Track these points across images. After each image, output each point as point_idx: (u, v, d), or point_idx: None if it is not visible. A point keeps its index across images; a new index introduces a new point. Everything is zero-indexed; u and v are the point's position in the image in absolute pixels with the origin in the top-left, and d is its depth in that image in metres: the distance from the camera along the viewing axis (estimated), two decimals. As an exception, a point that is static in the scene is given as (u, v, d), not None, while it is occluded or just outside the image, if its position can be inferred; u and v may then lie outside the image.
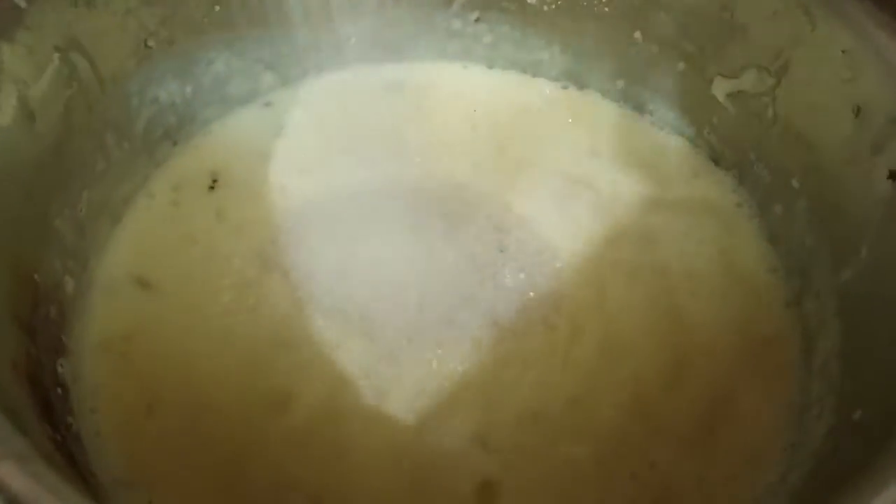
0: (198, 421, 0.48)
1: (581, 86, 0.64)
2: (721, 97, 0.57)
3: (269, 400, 0.49)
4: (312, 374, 0.50)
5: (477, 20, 0.63)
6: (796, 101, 0.52)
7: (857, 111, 0.47)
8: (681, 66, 0.59)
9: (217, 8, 0.56)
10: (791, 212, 0.54)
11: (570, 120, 0.63)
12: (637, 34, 0.60)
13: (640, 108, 0.63)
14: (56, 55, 0.47)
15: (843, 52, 0.47)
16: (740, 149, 0.58)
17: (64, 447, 0.41)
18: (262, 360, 0.50)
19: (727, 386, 0.50)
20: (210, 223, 0.57)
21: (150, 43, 0.54)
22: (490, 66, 0.66)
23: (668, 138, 0.62)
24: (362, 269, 0.55)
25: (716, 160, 0.60)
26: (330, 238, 0.56)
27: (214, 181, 0.59)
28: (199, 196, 0.58)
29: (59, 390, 0.46)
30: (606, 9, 0.59)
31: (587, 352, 0.52)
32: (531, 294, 0.54)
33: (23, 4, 0.44)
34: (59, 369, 0.47)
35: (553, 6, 0.61)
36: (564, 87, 0.65)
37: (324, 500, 0.45)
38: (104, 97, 0.52)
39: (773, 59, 0.53)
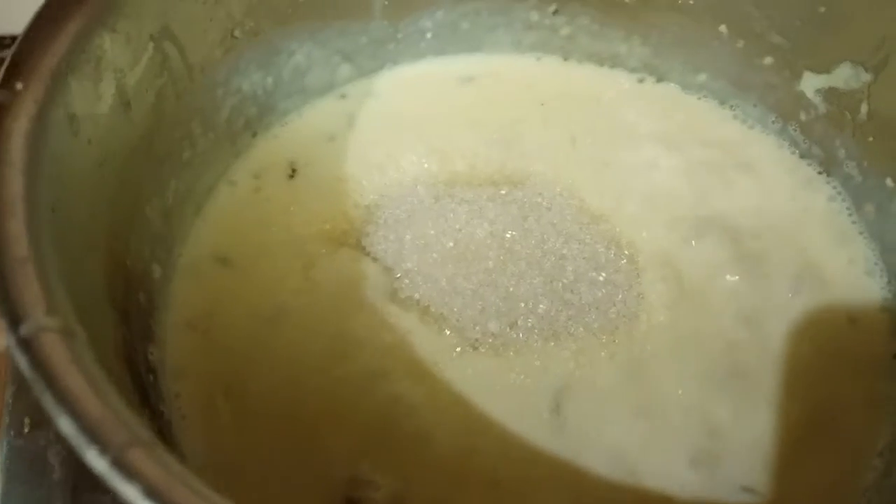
0: (274, 400, 0.48)
1: (660, 78, 0.63)
2: (810, 93, 0.56)
3: (341, 378, 0.49)
4: (392, 358, 0.50)
5: (555, 12, 0.63)
6: (894, 98, 0.51)
7: (963, 109, 0.45)
8: (768, 60, 0.58)
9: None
10: (884, 211, 0.53)
11: (648, 112, 0.62)
12: (722, 27, 0.58)
13: (722, 102, 0.62)
14: (151, 44, 0.47)
15: (949, 47, 0.46)
16: (829, 146, 0.56)
17: (162, 435, 0.42)
18: (336, 340, 0.50)
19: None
20: (288, 208, 0.57)
21: (237, 33, 0.54)
22: (566, 58, 0.65)
23: (750, 133, 0.61)
24: (437, 259, 0.55)
25: (802, 157, 0.58)
26: (405, 227, 0.56)
27: (294, 170, 0.59)
28: (279, 183, 0.58)
29: (151, 377, 0.46)
30: (691, 1, 0.58)
31: (664, 349, 0.51)
32: (608, 288, 0.53)
33: (123, -7, 0.44)
34: (150, 356, 0.47)
35: (635, -2, 0.60)
36: (641, 80, 0.64)
37: (411, 484, 0.45)
38: (192, 86, 0.52)
39: (870, 55, 0.51)
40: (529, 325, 0.52)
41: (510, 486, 0.45)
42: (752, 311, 0.52)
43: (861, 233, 0.55)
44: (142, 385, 0.43)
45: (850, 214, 0.56)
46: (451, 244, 0.55)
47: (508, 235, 0.56)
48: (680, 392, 0.49)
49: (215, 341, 0.50)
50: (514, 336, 0.52)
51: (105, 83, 0.44)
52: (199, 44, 0.51)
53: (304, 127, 0.62)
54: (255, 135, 0.60)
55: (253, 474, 0.46)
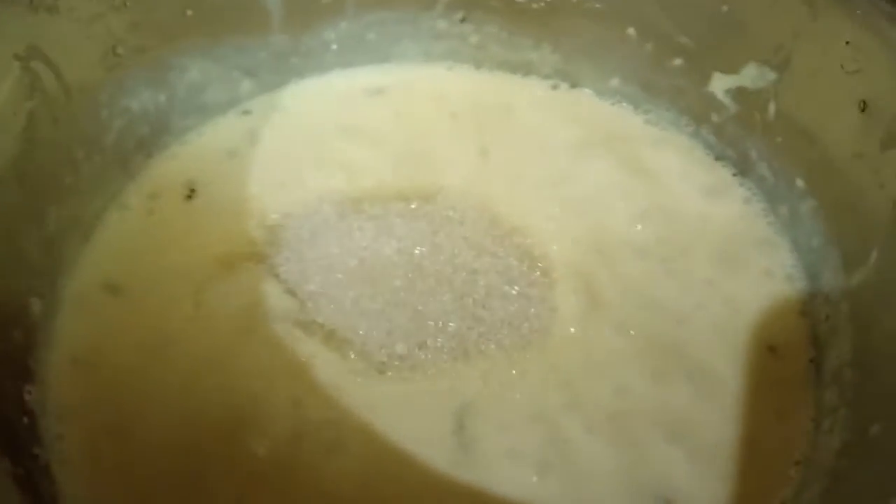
0: (161, 437, 0.45)
1: (573, 84, 0.62)
2: (720, 94, 0.55)
3: (233, 415, 0.46)
4: (281, 388, 0.47)
5: (462, 20, 0.61)
6: (799, 96, 0.50)
7: (864, 106, 0.45)
8: (677, 62, 0.57)
9: (189, 13, 0.54)
10: (797, 213, 0.52)
11: (561, 120, 0.61)
12: (631, 30, 0.57)
13: (636, 107, 0.60)
14: (16, 64, 0.44)
15: (847, 43, 0.45)
16: (741, 147, 0.55)
17: (28, 481, 0.39)
18: (227, 370, 0.48)
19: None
20: (185, 231, 0.54)
21: (120, 50, 0.51)
22: (477, 67, 0.63)
23: (664, 137, 0.59)
24: (341, 279, 0.52)
25: (717, 159, 0.57)
26: (308, 247, 0.54)
27: (192, 190, 0.56)
28: (175, 205, 0.56)
29: (26, 419, 0.43)
30: (598, 5, 0.57)
31: (575, 364, 0.49)
32: (521, 303, 0.52)
33: (-23, 11, 0.41)
34: (27, 397, 0.44)
35: (542, 3, 0.59)
36: (555, 87, 0.62)
37: None
38: (71, 108, 0.49)
39: (773, 53, 0.50)
40: (439, 344, 0.50)
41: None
42: (666, 319, 0.50)
43: (777, 234, 0.53)
44: (8, 430, 0.40)
45: (766, 216, 0.54)
46: (356, 263, 0.53)
47: (417, 252, 0.53)
48: (592, 406, 0.47)
49: (102, 377, 0.47)
50: (423, 357, 0.49)
51: (-41, 107, 0.41)
52: (76, 63, 0.49)
53: (203, 145, 0.59)
54: (149, 156, 0.57)
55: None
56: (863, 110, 0.45)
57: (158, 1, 0.52)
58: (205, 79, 0.58)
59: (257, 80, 0.60)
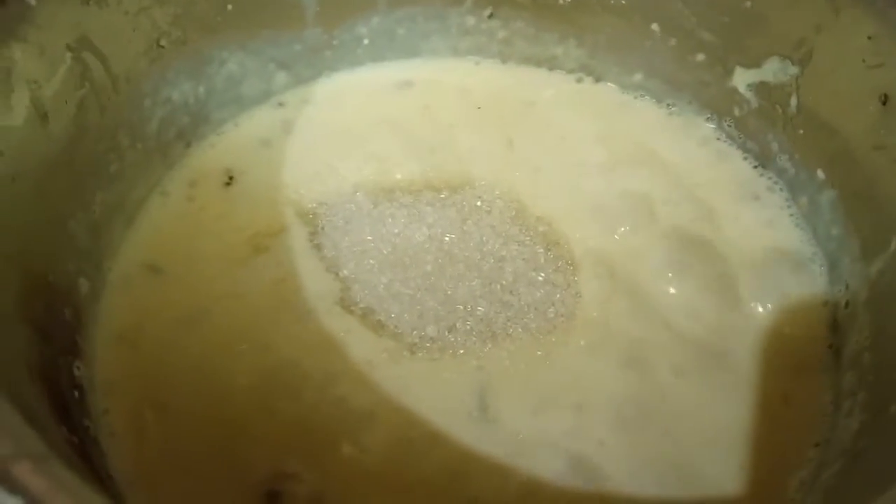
0: (201, 402, 0.47)
1: (597, 79, 0.63)
2: (742, 88, 0.56)
3: (267, 385, 0.48)
4: (314, 361, 0.49)
5: (490, 16, 0.63)
6: (821, 90, 0.51)
7: (885, 99, 0.46)
8: (700, 57, 0.58)
9: (230, 7, 0.56)
10: (817, 203, 0.53)
11: (585, 113, 0.62)
12: (654, 26, 0.59)
13: (658, 101, 0.62)
14: (68, 54, 0.46)
15: (868, 38, 0.46)
16: (762, 140, 0.57)
17: (82, 449, 0.41)
18: (261, 343, 0.50)
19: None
20: (223, 215, 0.56)
21: (163, 42, 0.53)
22: (504, 62, 0.65)
23: (687, 130, 0.61)
24: (374, 265, 0.54)
25: (739, 150, 0.59)
26: (342, 234, 0.55)
27: (230, 178, 0.58)
28: (214, 192, 0.58)
29: (76, 393, 0.45)
30: (623, 1, 0.59)
31: (598, 347, 0.50)
32: (546, 288, 0.53)
33: (33, 2, 0.43)
34: (76, 372, 0.46)
35: (568, 0, 0.60)
36: (579, 81, 0.64)
37: (332, 479, 0.45)
38: (117, 97, 0.51)
39: (795, 48, 0.51)
40: (468, 327, 0.52)
41: (438, 481, 0.44)
42: (690, 306, 0.52)
43: (798, 225, 0.55)
44: (62, 402, 0.42)
45: (788, 207, 0.56)
46: (389, 249, 0.55)
47: (447, 239, 0.55)
48: (613, 390, 0.48)
49: (145, 353, 0.49)
50: (452, 339, 0.51)
51: (17, 94, 0.43)
52: (123, 54, 0.51)
53: (240, 135, 0.61)
54: (188, 145, 0.59)
55: (180, 482, 0.45)
56: (884, 103, 0.46)
57: (200, -5, 0.54)
58: (242, 71, 0.60)
59: (292, 73, 0.62)
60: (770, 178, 0.57)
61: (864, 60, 0.47)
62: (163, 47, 0.53)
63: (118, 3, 0.49)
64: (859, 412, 0.44)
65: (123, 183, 0.54)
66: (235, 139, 0.61)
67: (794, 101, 0.53)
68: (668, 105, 0.61)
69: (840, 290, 0.50)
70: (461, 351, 0.50)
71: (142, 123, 0.54)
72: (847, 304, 0.49)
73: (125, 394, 0.48)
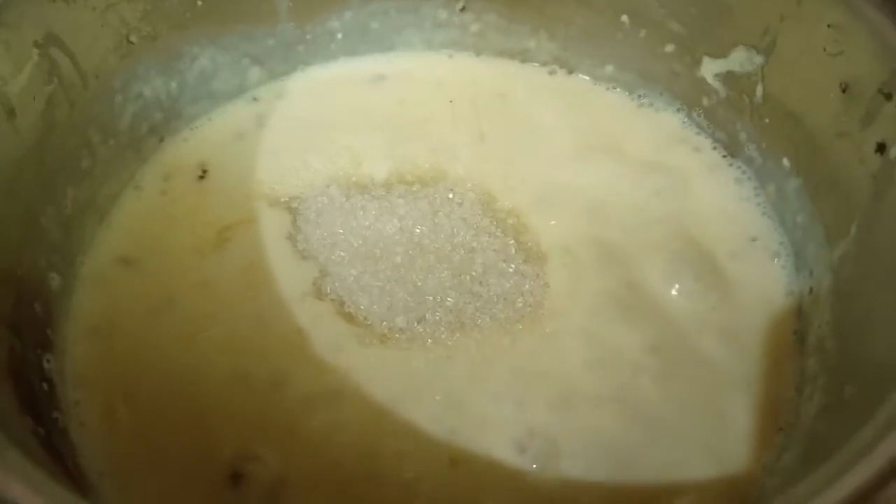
0: (170, 390, 0.48)
1: (570, 71, 0.64)
2: (710, 78, 0.57)
3: (235, 368, 0.48)
4: (282, 345, 0.50)
5: (463, 9, 0.63)
6: (785, 79, 0.52)
7: (845, 87, 0.46)
8: (669, 48, 0.58)
9: (200, 2, 0.56)
10: (783, 191, 0.53)
11: (556, 106, 0.63)
12: (624, 18, 0.59)
13: (630, 92, 0.62)
14: (35, 51, 0.47)
15: (829, 26, 0.47)
16: (731, 130, 0.57)
17: (49, 441, 0.41)
18: (229, 328, 0.50)
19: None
20: (197, 208, 0.57)
21: (133, 38, 0.54)
22: (477, 55, 0.65)
23: (658, 121, 0.61)
24: (344, 257, 0.54)
25: (707, 140, 0.59)
26: (313, 227, 0.56)
27: (204, 171, 0.59)
28: (188, 185, 0.58)
29: (45, 385, 0.46)
30: (592, -8, 0.59)
31: (570, 343, 0.51)
32: (516, 279, 0.53)
33: (-2, -1, 0.44)
34: (46, 364, 0.47)
35: (539, -8, 0.61)
36: (552, 73, 0.64)
37: (294, 459, 0.45)
38: (87, 93, 0.52)
39: (760, 37, 0.52)
40: (437, 318, 0.52)
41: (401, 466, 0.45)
42: (658, 294, 0.52)
43: (765, 214, 0.55)
44: (30, 393, 0.43)
45: (757, 196, 0.56)
46: (360, 242, 0.55)
47: (418, 231, 0.56)
48: (580, 373, 0.49)
49: (116, 345, 0.50)
50: (421, 330, 0.51)
51: (-18, 91, 0.43)
52: (92, 50, 0.51)
53: (213, 130, 0.61)
54: (161, 140, 0.59)
55: (150, 470, 0.45)
56: (844, 91, 0.46)
57: (170, -10, 0.54)
58: (214, 66, 0.60)
59: (265, 67, 0.63)
60: (739, 167, 0.57)
61: (825, 49, 0.47)
62: (133, 43, 0.54)
63: (85, -1, 0.49)
64: (819, 396, 0.44)
65: (95, 179, 0.54)
66: (209, 133, 0.61)
67: (759, 90, 0.53)
68: (640, 96, 0.62)
69: (805, 277, 0.51)
70: (429, 341, 0.51)
71: (113, 119, 0.55)
72: (811, 291, 0.50)
73: (96, 386, 0.48)
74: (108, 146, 0.55)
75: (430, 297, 0.53)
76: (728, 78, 0.56)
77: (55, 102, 0.49)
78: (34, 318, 0.47)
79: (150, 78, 0.56)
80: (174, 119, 0.59)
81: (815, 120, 0.50)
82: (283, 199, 0.58)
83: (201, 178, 0.59)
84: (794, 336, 0.50)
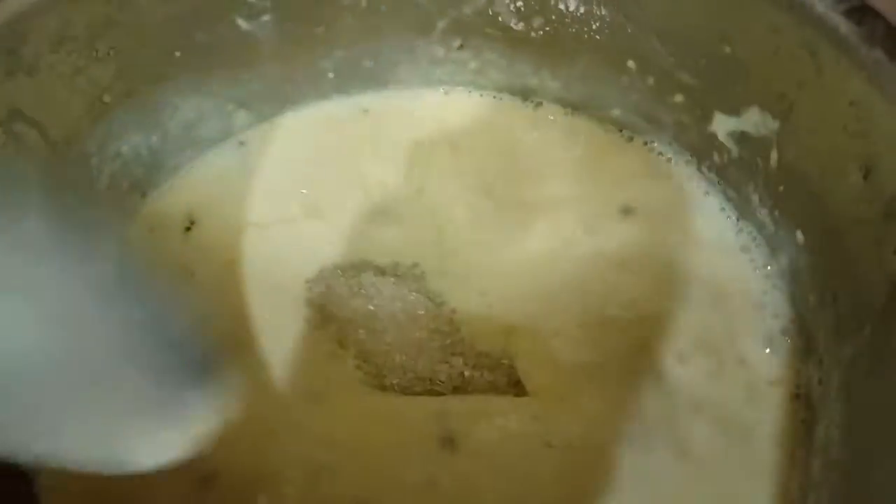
0: None
1: (573, 112, 0.60)
2: (721, 135, 0.53)
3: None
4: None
5: (460, 47, 0.59)
6: (802, 149, 0.48)
7: (867, 172, 0.42)
8: (678, 98, 0.54)
9: (178, 54, 0.53)
10: (796, 266, 0.50)
11: (561, 148, 0.59)
12: (631, 63, 0.55)
13: (636, 138, 0.58)
14: (-2, 130, 0.44)
15: (850, 103, 0.43)
16: (743, 191, 0.53)
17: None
18: None
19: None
20: (185, 263, 0.55)
21: (106, 98, 0.51)
22: (475, 92, 0.62)
23: (665, 172, 0.57)
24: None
25: (717, 198, 0.55)
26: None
27: (192, 222, 0.57)
28: (174, 237, 0.56)
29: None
30: (597, 36, 0.55)
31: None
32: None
33: (-50, 86, 0.41)
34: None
35: (540, 32, 0.56)
36: (554, 114, 0.61)
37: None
38: (59, 161, 0.49)
39: (776, 101, 0.48)
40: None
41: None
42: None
43: (776, 287, 0.52)
44: None
45: (765, 266, 0.53)
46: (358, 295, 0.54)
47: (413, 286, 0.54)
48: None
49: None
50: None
51: (-61, 182, 0.41)
52: (61, 118, 0.49)
53: (199, 179, 0.59)
54: (144, 195, 0.57)
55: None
56: (865, 177, 0.43)
57: (143, 46, 0.51)
58: (198, 115, 0.57)
59: (252, 111, 0.60)
60: (750, 232, 0.54)
61: (845, 126, 0.43)
62: (106, 103, 0.51)
63: (50, 68, 0.46)
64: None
65: (73, 244, 0.52)
66: (195, 182, 0.59)
67: (774, 155, 0.49)
68: (646, 143, 0.58)
69: (814, 365, 0.48)
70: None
71: (90, 182, 0.52)
72: (820, 382, 0.47)
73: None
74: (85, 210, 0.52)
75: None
76: (741, 138, 0.52)
77: (22, 178, 0.47)
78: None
79: (129, 135, 0.54)
80: (157, 172, 0.57)
81: (833, 200, 0.46)
82: (273, 246, 0.55)
83: (188, 229, 0.57)
84: (801, 424, 0.48)
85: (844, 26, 0.42)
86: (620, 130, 0.59)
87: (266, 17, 0.54)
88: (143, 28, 0.50)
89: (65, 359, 0.30)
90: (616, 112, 0.58)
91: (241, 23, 0.54)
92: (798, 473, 0.46)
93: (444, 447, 0.48)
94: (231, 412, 0.39)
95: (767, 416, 0.49)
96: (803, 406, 0.48)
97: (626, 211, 0.56)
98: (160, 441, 0.36)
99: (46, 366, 0.30)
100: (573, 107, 0.60)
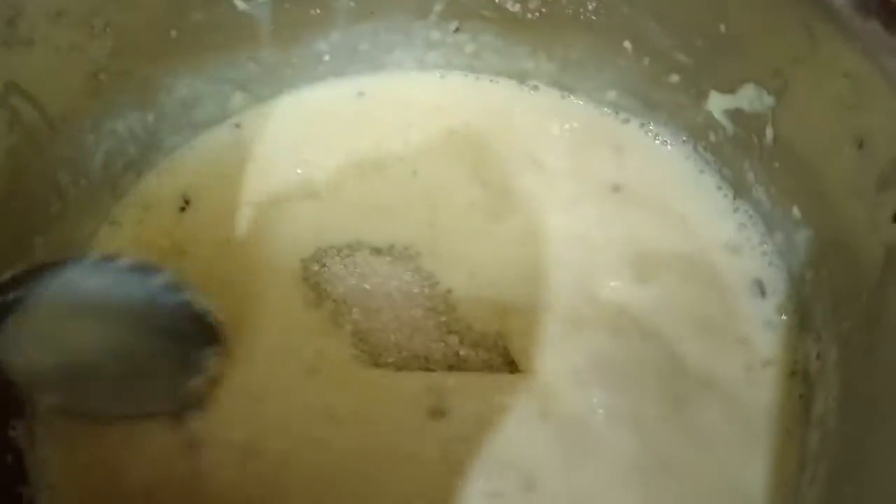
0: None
1: (569, 94, 0.60)
2: (717, 113, 0.53)
3: None
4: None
5: (456, 30, 0.59)
6: (797, 125, 0.48)
7: (861, 143, 0.42)
8: (674, 78, 0.54)
9: (174, 33, 0.53)
10: (792, 241, 0.50)
11: (557, 130, 0.59)
12: (627, 44, 0.55)
13: (632, 119, 0.58)
14: (-7, 104, 0.44)
15: (845, 76, 0.43)
16: (738, 169, 0.53)
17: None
18: None
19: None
20: (177, 241, 0.55)
21: (102, 76, 0.51)
22: (471, 75, 0.62)
23: (661, 152, 0.58)
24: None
25: (712, 176, 0.56)
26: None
27: (186, 202, 0.56)
28: (168, 217, 0.56)
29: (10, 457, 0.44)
30: (593, 17, 0.55)
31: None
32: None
33: (-54, 55, 0.41)
34: (11, 433, 0.45)
35: (536, 14, 0.57)
36: (551, 96, 0.61)
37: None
38: (54, 137, 0.49)
39: (771, 78, 0.48)
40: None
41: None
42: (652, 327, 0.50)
43: (772, 264, 0.52)
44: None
45: (761, 242, 0.53)
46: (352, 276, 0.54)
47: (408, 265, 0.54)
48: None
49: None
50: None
51: (-63, 149, 0.41)
52: (57, 93, 0.48)
53: (195, 160, 0.59)
54: (139, 174, 0.57)
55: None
56: (860, 147, 0.43)
57: (140, 24, 0.51)
58: (194, 95, 0.57)
59: (249, 93, 0.60)
60: (746, 210, 0.54)
61: (840, 99, 0.44)
62: (102, 81, 0.51)
63: (46, 41, 0.46)
64: (819, 486, 0.41)
65: (68, 222, 0.52)
66: (190, 163, 0.58)
67: (769, 132, 0.50)
68: (642, 124, 0.58)
69: (812, 340, 0.48)
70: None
71: (85, 160, 0.52)
72: (818, 356, 0.47)
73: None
74: (79, 187, 0.52)
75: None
76: (737, 115, 0.52)
77: (18, 152, 0.47)
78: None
79: (124, 113, 0.53)
80: (152, 152, 0.57)
81: (829, 173, 0.46)
82: (267, 228, 0.55)
83: (183, 209, 0.56)
84: (799, 399, 0.48)
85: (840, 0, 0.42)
86: (616, 113, 0.59)
87: (263, -2, 0.54)
88: (141, 5, 0.50)
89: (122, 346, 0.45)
90: (612, 94, 0.58)
91: (239, 2, 0.54)
92: (796, 448, 0.46)
93: (434, 418, 0.47)
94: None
95: (766, 393, 0.49)
96: (801, 382, 0.48)
97: (619, 191, 0.56)
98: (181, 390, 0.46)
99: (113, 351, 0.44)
100: (569, 90, 0.60)
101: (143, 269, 0.45)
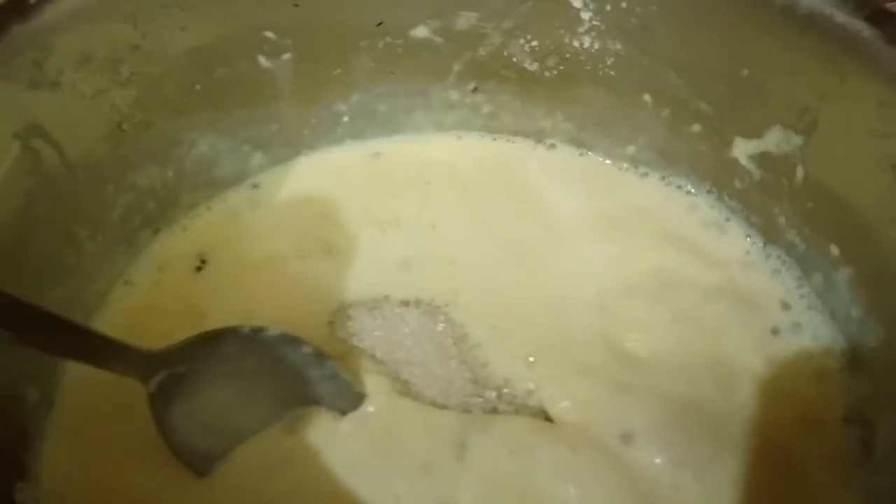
0: None
1: (587, 152, 0.60)
2: (743, 159, 0.53)
3: None
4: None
5: (474, 90, 0.60)
6: (829, 160, 0.48)
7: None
8: (696, 127, 0.55)
9: (198, 87, 0.53)
10: (832, 281, 0.49)
11: (574, 188, 0.59)
12: (646, 97, 0.56)
13: (652, 173, 0.58)
14: (16, 143, 0.43)
15: (878, 104, 0.43)
16: (768, 214, 0.53)
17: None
18: None
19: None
20: (194, 302, 0.53)
21: (125, 126, 0.50)
22: (488, 136, 0.62)
23: (684, 203, 0.57)
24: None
25: (741, 225, 0.55)
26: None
27: (203, 262, 0.55)
28: (184, 277, 0.54)
29: None
30: (612, 72, 0.56)
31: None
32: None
33: (-27, 88, 0.40)
34: (17, 496, 0.41)
35: (554, 72, 0.57)
36: (569, 153, 0.61)
37: None
38: (73, 186, 0.48)
39: (798, 117, 0.48)
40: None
41: None
42: (709, 381, 0.48)
43: (811, 307, 0.50)
44: None
45: (798, 287, 0.51)
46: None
47: (431, 328, 0.52)
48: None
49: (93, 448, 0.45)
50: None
51: (-47, 188, 0.39)
52: (80, 140, 0.48)
53: (213, 219, 0.58)
54: (157, 231, 0.55)
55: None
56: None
57: (165, 75, 0.51)
58: (213, 153, 0.56)
59: (268, 153, 0.59)
60: (779, 255, 0.53)
61: (872, 129, 0.44)
62: (125, 131, 0.50)
63: (73, 86, 0.46)
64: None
65: (81, 276, 0.50)
66: (207, 223, 0.57)
67: (799, 172, 0.49)
68: (663, 177, 0.58)
69: (864, 379, 0.46)
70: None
71: (102, 212, 0.51)
72: (873, 395, 0.45)
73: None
74: (95, 241, 0.50)
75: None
76: (763, 159, 0.52)
77: (36, 198, 0.45)
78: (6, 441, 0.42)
79: (145, 167, 0.53)
80: (170, 209, 0.56)
81: (865, 204, 0.45)
82: (285, 288, 0.53)
83: (199, 269, 0.55)
84: (855, 444, 0.45)
85: (867, 31, 0.43)
86: (636, 167, 0.59)
87: (286, 56, 0.55)
88: (167, 56, 0.50)
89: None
90: (631, 149, 0.59)
91: (262, 60, 0.54)
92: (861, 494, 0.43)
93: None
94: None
95: (818, 446, 0.46)
96: (857, 426, 0.46)
97: (642, 244, 0.55)
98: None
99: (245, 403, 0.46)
100: (587, 146, 0.60)
101: (291, 339, 0.46)
